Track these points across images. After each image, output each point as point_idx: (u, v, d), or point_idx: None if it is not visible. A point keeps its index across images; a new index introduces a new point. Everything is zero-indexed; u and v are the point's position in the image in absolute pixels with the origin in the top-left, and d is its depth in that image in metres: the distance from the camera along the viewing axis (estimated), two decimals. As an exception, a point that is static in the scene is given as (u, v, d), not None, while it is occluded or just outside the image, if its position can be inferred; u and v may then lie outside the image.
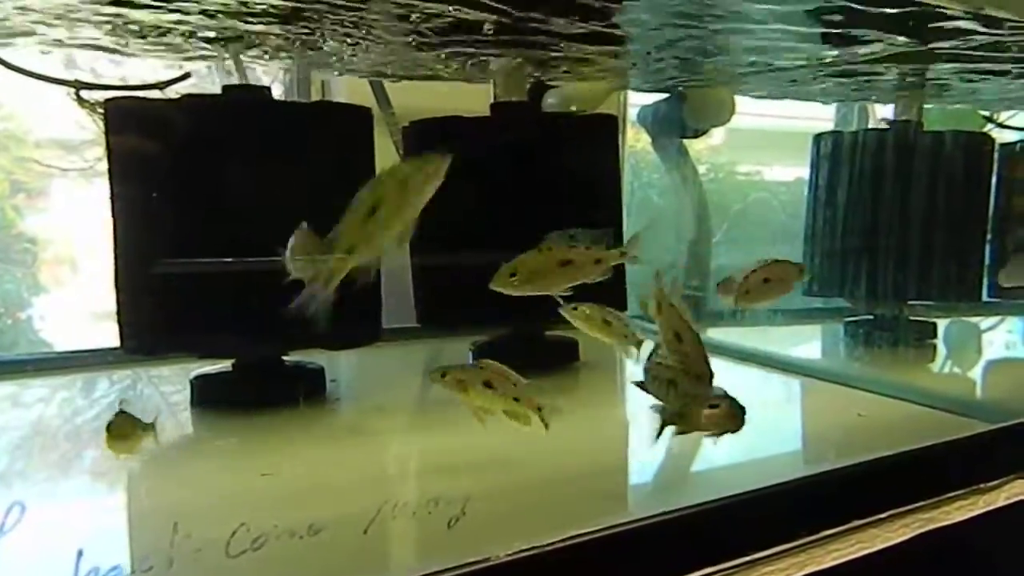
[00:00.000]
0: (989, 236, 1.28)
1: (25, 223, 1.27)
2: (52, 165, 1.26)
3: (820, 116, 1.59)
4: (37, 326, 1.28)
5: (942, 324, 1.33)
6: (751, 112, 1.48)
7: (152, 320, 0.84)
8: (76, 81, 1.00)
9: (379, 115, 1.17)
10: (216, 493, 0.64)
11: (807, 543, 0.65)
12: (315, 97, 1.26)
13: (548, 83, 1.16)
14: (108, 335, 0.87)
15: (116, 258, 0.84)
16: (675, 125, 1.29)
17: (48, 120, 1.22)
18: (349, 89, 1.24)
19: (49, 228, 1.28)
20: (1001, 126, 1.43)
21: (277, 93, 1.25)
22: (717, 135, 1.62)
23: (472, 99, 1.07)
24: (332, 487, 0.65)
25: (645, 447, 0.67)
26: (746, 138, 1.72)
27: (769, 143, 1.83)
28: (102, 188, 0.85)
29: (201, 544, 0.46)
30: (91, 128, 1.02)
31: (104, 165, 0.84)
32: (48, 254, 1.29)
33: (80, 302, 1.26)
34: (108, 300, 0.86)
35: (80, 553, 0.42)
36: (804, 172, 1.34)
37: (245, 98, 0.85)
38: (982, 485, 0.77)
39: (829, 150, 1.27)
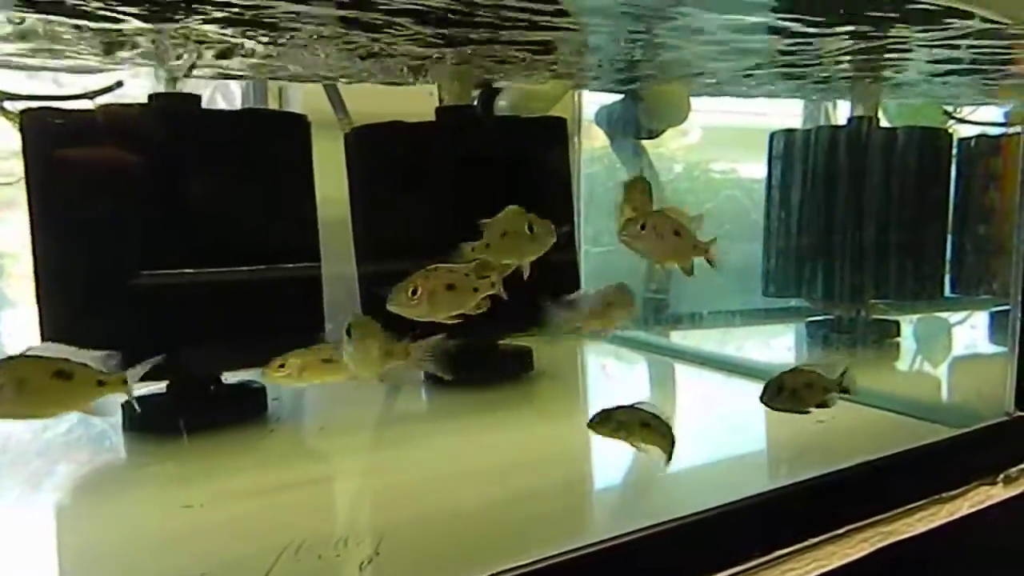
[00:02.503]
0: (950, 233, 1.26)
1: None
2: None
3: (797, 114, 1.56)
4: (4, 341, 1.24)
5: (910, 323, 1.31)
6: (728, 110, 1.45)
7: (76, 338, 0.80)
8: (-1, 91, 0.95)
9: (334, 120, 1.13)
10: (128, 529, 0.61)
11: (760, 564, 0.62)
12: (272, 103, 1.23)
13: (499, 86, 1.13)
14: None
15: (36, 272, 0.80)
16: (631, 126, 1.26)
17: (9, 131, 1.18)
18: (305, 94, 1.19)
19: (18, 240, 1.23)
20: (961, 121, 1.41)
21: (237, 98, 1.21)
22: (693, 133, 1.60)
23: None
24: (250, 518, 0.62)
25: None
26: (723, 136, 1.70)
27: (745, 141, 1.80)
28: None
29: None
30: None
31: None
32: (19, 268, 1.24)
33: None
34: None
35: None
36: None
37: (169, 107, 0.81)
38: (944, 494, 0.74)
39: (782, 149, 1.25)
